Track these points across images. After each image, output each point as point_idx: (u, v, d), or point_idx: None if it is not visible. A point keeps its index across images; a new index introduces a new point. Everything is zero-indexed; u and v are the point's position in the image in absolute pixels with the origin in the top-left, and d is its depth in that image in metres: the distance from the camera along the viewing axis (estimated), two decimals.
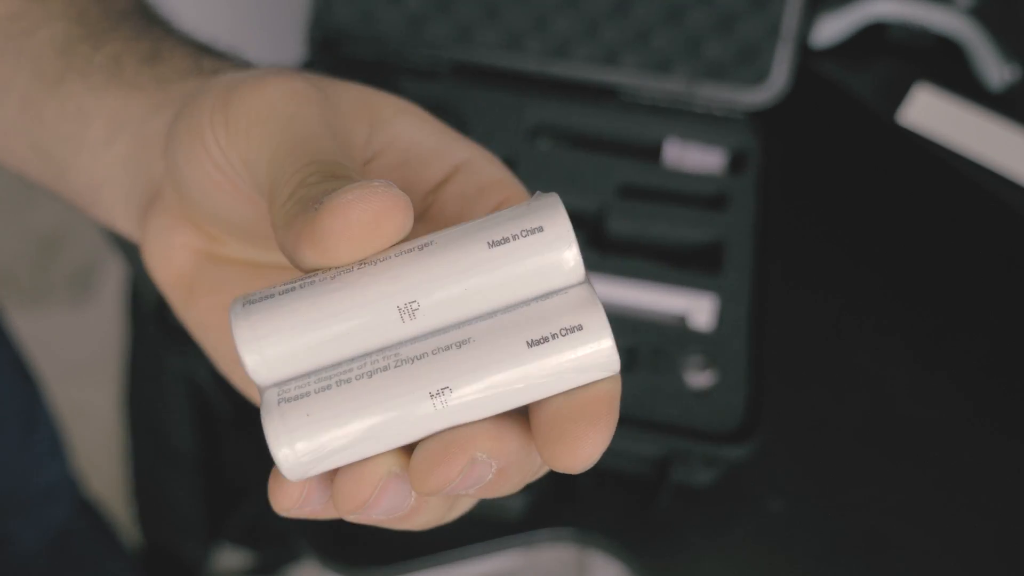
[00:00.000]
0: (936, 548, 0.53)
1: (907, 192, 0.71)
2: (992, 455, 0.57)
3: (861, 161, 0.73)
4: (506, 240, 0.20)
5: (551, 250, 0.20)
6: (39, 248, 1.51)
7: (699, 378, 0.52)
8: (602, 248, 0.59)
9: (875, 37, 0.74)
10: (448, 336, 0.20)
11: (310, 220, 0.19)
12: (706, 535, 0.53)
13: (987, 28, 0.68)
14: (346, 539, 0.54)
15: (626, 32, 0.66)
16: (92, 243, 1.51)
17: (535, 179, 0.61)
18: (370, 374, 0.20)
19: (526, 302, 0.20)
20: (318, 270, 0.20)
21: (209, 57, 0.30)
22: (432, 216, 0.26)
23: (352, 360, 0.20)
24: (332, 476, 0.21)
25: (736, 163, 0.63)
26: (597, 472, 0.54)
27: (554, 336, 0.20)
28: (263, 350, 0.20)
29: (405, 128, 0.26)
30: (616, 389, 0.20)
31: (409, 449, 0.20)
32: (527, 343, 0.20)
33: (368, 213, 0.19)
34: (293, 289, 0.20)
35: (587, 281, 0.21)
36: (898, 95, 0.68)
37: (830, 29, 0.72)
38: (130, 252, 0.66)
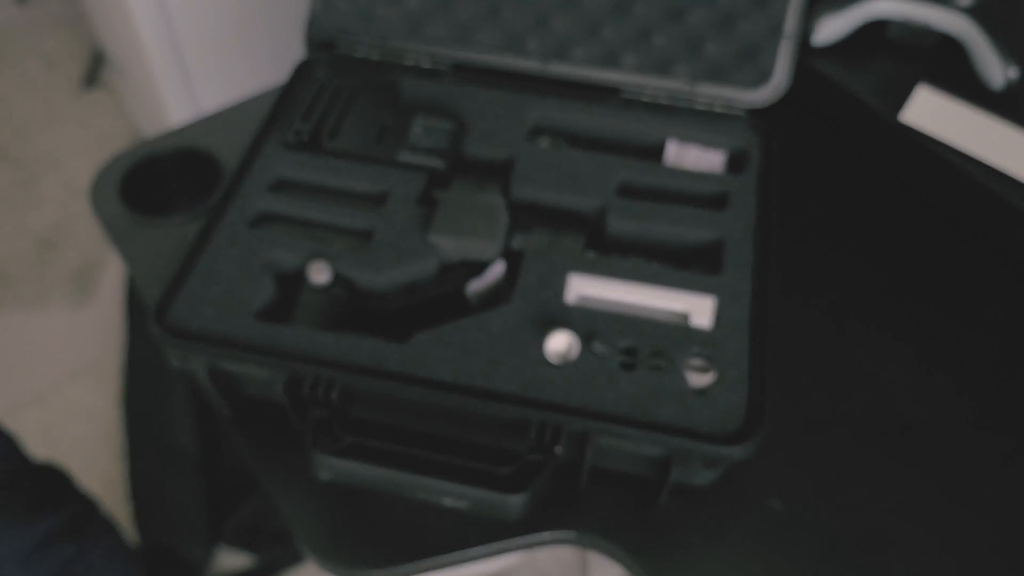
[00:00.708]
0: (936, 548, 0.53)
1: (908, 191, 0.70)
2: (992, 455, 0.57)
3: (862, 160, 0.73)
4: None
5: None
6: (39, 248, 1.51)
7: (699, 378, 0.52)
8: (602, 248, 0.59)
9: (875, 36, 0.74)
10: None
11: None
12: (706, 535, 0.53)
13: (987, 27, 0.68)
14: (345, 541, 0.54)
15: (626, 31, 0.66)
16: (92, 243, 1.51)
17: (535, 179, 0.61)
18: None
19: None
20: None
21: None
22: None
23: None
24: None
25: (737, 162, 0.63)
26: (598, 472, 0.54)
27: None
28: None
29: None
30: None
31: None
32: None
33: None
34: None
35: None
36: (899, 94, 0.68)
37: (831, 27, 0.72)
38: (129, 252, 0.66)
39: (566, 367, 0.51)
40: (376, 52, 0.68)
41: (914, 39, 0.72)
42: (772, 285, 0.55)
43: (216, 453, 1.11)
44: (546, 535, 0.53)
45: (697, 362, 0.52)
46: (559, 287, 0.55)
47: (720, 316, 0.54)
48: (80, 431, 1.27)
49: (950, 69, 0.70)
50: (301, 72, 0.67)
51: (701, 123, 0.64)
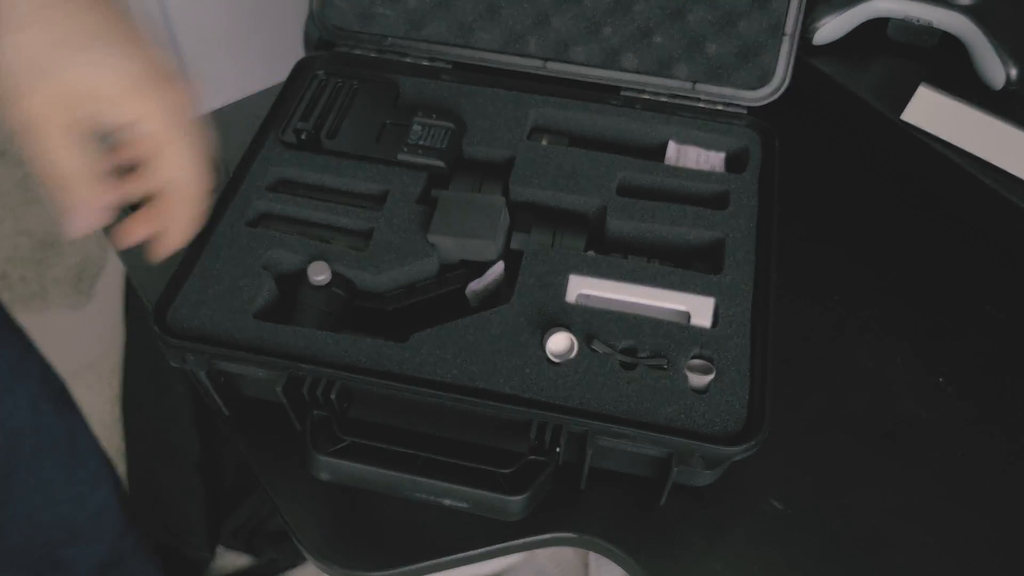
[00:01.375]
0: (936, 548, 0.53)
1: (908, 190, 0.70)
2: (992, 455, 0.57)
3: (862, 159, 0.73)
4: None
5: None
6: (39, 248, 1.50)
7: (699, 378, 0.51)
8: (602, 248, 0.59)
9: (876, 35, 0.73)
10: None
11: None
12: (706, 535, 0.53)
13: (988, 26, 0.68)
14: (344, 542, 0.54)
15: (627, 30, 0.65)
16: (92, 243, 1.50)
17: (535, 178, 0.60)
18: None
19: None
20: None
21: None
22: None
23: None
24: None
25: (738, 161, 0.63)
26: (598, 473, 0.53)
27: None
28: None
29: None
30: None
31: None
32: None
33: None
34: None
35: None
36: (899, 93, 0.68)
37: (831, 26, 0.72)
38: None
39: (566, 367, 0.51)
40: (375, 51, 0.68)
41: (914, 38, 0.72)
42: (773, 285, 0.55)
43: (216, 453, 1.11)
44: (546, 536, 0.53)
45: (697, 362, 0.52)
46: (559, 287, 0.55)
47: (720, 316, 0.54)
48: None
49: (950, 69, 0.70)
50: (300, 71, 0.66)
51: (701, 122, 0.64)
